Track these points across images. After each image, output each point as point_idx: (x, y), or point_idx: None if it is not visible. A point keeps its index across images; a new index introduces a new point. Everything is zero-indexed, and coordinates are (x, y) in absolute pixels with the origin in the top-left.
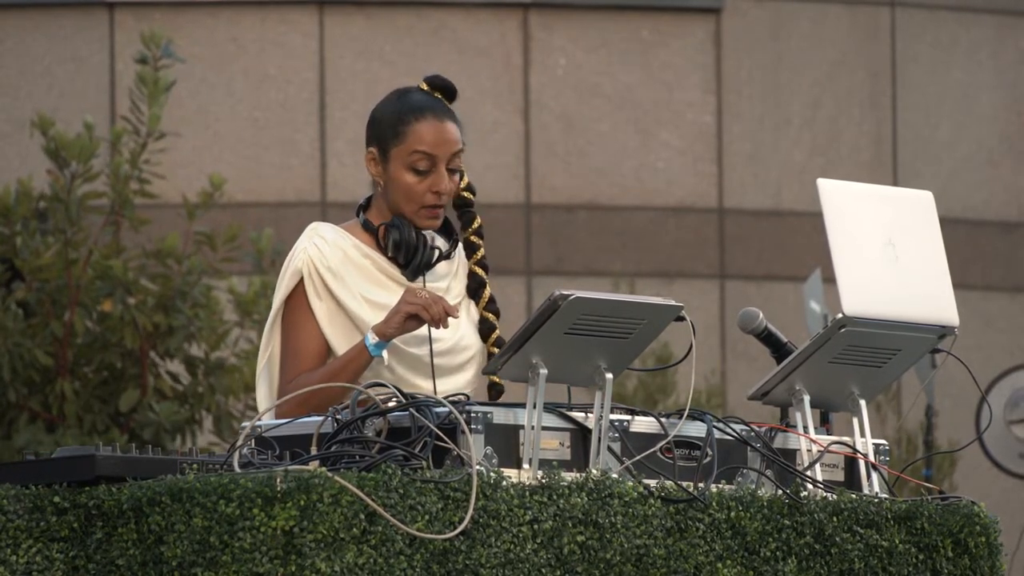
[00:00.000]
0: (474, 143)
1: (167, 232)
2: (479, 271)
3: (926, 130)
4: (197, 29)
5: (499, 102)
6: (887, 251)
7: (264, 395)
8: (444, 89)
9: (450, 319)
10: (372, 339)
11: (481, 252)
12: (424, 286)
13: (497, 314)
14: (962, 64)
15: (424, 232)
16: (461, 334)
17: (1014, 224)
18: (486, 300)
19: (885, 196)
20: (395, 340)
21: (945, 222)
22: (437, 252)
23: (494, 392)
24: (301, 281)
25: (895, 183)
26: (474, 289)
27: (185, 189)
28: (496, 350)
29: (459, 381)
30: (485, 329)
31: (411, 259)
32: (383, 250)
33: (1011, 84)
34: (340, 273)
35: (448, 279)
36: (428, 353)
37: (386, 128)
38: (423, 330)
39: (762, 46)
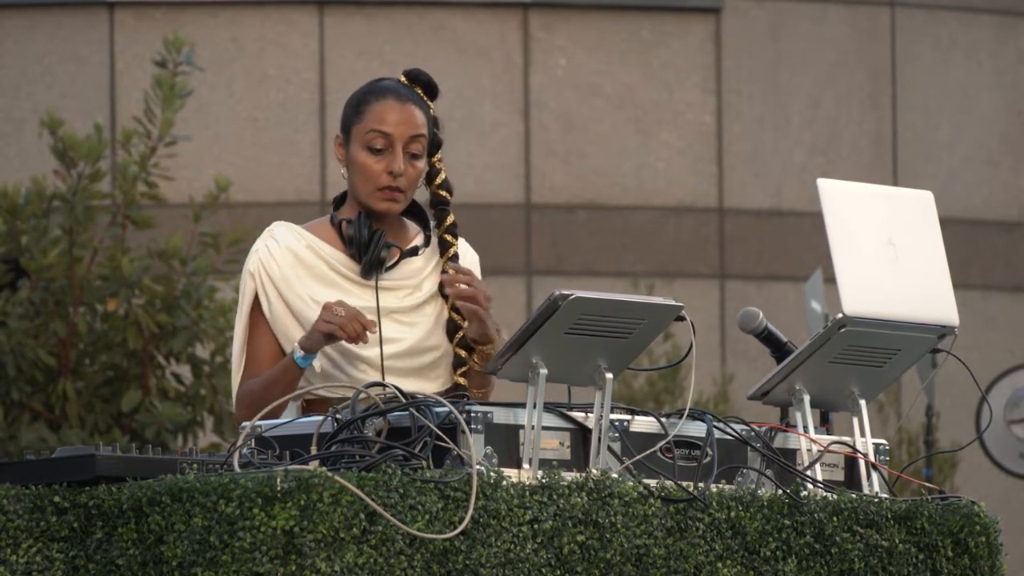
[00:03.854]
0: (474, 143)
1: (168, 232)
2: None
3: (926, 130)
4: (197, 29)
5: (499, 102)
6: (887, 251)
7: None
8: (423, 83)
9: (417, 318)
10: (299, 353)
11: (453, 249)
12: (377, 284)
13: (463, 316)
14: (962, 64)
15: (383, 231)
16: (425, 334)
17: (1014, 224)
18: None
19: (885, 196)
20: (345, 343)
21: (945, 222)
22: (397, 251)
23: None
24: (255, 287)
25: (895, 183)
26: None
27: (185, 189)
28: (462, 352)
29: (425, 385)
30: (452, 328)
31: (362, 256)
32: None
33: (1011, 84)
34: (288, 276)
35: (419, 277)
36: (374, 354)
37: (349, 110)
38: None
39: (762, 46)
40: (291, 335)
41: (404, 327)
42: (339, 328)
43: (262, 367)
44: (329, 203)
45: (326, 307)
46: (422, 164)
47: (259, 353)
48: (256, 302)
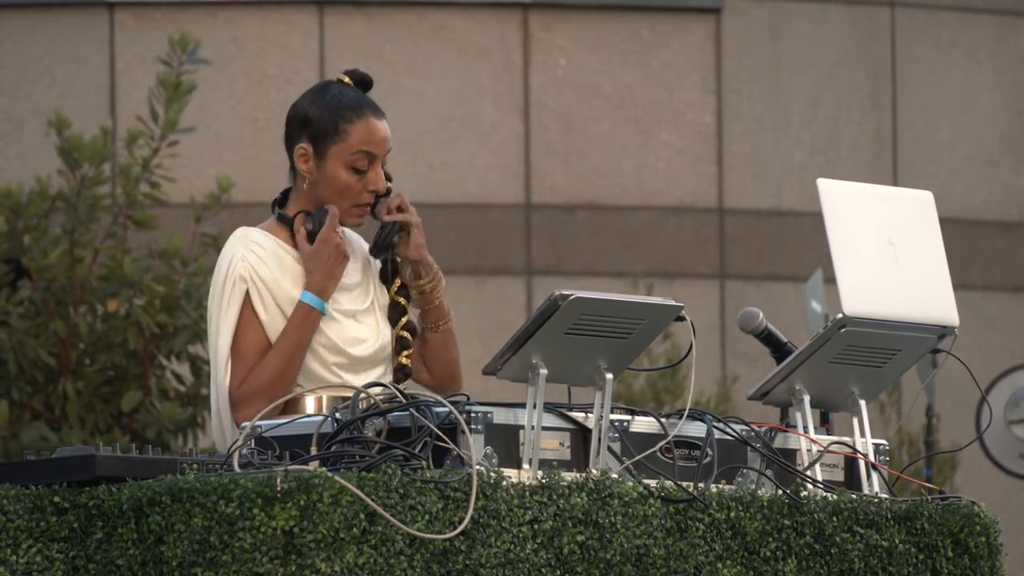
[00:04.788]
0: (474, 143)
1: (169, 231)
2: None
3: (926, 130)
4: (197, 29)
5: (499, 102)
6: (887, 251)
7: (214, 396)
8: (364, 83)
9: (369, 317)
10: (320, 300)
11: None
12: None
13: (408, 299)
14: (962, 64)
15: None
16: (382, 330)
17: (1014, 224)
18: (397, 286)
19: (885, 196)
20: (338, 342)
21: (945, 222)
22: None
23: (402, 375)
24: (246, 289)
25: (895, 183)
26: (387, 275)
27: (186, 189)
28: (406, 334)
29: (383, 375)
30: (396, 314)
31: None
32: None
33: (1011, 84)
34: (278, 278)
35: (363, 274)
36: (360, 352)
37: (324, 126)
38: (349, 332)
39: (762, 46)
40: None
41: (363, 326)
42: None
43: (255, 361)
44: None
45: (325, 253)
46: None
47: (255, 349)
48: (247, 304)
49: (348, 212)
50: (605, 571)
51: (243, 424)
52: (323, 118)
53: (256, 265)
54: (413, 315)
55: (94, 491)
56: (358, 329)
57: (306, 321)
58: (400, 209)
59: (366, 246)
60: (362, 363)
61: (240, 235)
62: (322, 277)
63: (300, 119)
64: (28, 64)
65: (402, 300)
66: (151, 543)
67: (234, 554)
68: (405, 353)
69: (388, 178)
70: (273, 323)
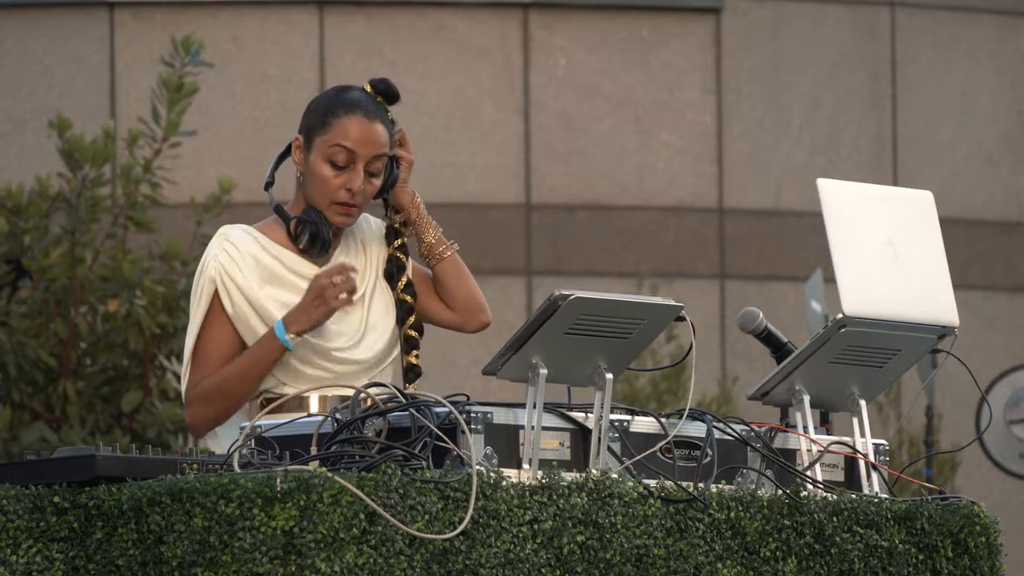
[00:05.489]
0: (474, 143)
1: (169, 230)
2: (400, 256)
3: (926, 130)
4: (197, 29)
5: (499, 102)
6: (887, 251)
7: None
8: (386, 94)
9: (359, 310)
10: (288, 335)
11: (403, 239)
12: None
13: (414, 297)
14: (962, 64)
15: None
16: (374, 324)
17: (1014, 224)
18: (403, 284)
19: (885, 196)
20: (330, 348)
21: (945, 222)
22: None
23: (412, 375)
24: (215, 289)
25: (895, 183)
26: (392, 272)
27: (186, 189)
28: (413, 333)
29: (362, 368)
30: (402, 312)
31: (321, 248)
32: (295, 242)
33: (1011, 84)
34: (251, 279)
35: (359, 266)
36: (338, 345)
37: (315, 117)
38: (329, 326)
39: (762, 46)
40: (258, 335)
41: (347, 318)
42: (341, 300)
43: (217, 363)
44: None
45: (322, 287)
46: (379, 182)
47: (218, 350)
48: (218, 304)
49: (328, 208)
50: (605, 571)
51: (192, 424)
52: (318, 111)
53: (227, 265)
54: (419, 310)
55: (94, 491)
56: (341, 323)
57: (267, 348)
58: (401, 144)
59: (366, 230)
60: (340, 358)
61: (220, 234)
62: (304, 320)
63: (304, 114)
64: (28, 64)
65: (408, 298)
66: (151, 543)
67: (234, 554)
68: (415, 352)
69: (391, 170)
70: (241, 323)
